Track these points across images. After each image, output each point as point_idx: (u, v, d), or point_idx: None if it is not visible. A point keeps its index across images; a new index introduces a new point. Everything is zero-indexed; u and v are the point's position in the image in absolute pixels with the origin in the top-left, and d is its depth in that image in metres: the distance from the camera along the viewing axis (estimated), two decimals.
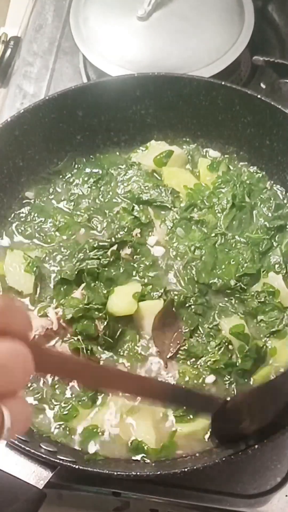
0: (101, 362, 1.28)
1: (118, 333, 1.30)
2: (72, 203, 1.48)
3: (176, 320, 1.31)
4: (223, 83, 1.43)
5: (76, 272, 1.33)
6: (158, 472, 1.10)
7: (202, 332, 1.30)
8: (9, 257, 1.38)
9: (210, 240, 1.38)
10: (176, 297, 1.32)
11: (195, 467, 1.07)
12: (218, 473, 1.26)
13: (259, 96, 1.40)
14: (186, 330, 1.30)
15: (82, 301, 1.30)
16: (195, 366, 1.28)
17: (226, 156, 1.53)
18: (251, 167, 1.51)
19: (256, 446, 1.07)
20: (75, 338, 1.29)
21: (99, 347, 1.29)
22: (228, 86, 1.43)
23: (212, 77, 1.49)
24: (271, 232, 1.39)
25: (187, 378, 1.26)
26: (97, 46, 1.61)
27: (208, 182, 1.47)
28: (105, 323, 1.28)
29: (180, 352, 1.29)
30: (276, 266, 1.35)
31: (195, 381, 1.26)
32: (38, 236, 1.44)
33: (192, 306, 1.32)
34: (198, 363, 1.28)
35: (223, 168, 1.50)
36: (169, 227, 1.42)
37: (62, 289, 1.34)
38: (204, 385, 1.26)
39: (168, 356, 1.29)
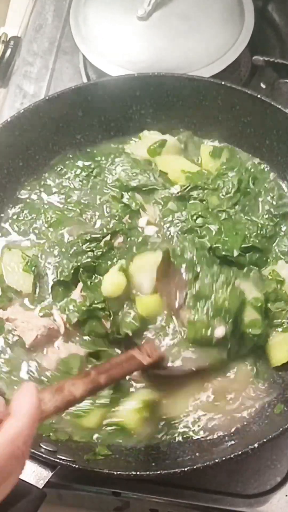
0: None
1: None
2: (63, 196, 1.47)
3: (177, 269, 1.27)
4: (223, 83, 1.43)
5: (72, 271, 1.32)
6: (158, 472, 1.10)
7: (206, 274, 1.25)
8: (7, 256, 1.37)
9: (212, 213, 1.37)
10: (173, 249, 1.30)
11: (195, 467, 1.07)
12: (218, 473, 1.26)
13: (259, 96, 1.40)
14: (190, 276, 1.26)
15: (84, 304, 1.29)
16: (205, 311, 1.22)
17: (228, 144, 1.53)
18: (255, 159, 1.50)
19: (256, 446, 1.07)
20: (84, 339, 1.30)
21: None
22: (228, 86, 1.43)
23: (212, 77, 1.49)
24: (276, 219, 1.39)
25: (196, 329, 1.21)
26: (97, 46, 1.61)
27: (211, 169, 1.46)
28: (111, 319, 1.27)
29: (188, 298, 1.24)
30: (284, 255, 1.35)
31: (204, 331, 1.21)
32: (32, 233, 1.43)
33: (191, 254, 1.28)
34: (207, 305, 1.22)
35: (226, 155, 1.49)
36: (161, 205, 1.41)
37: (60, 290, 1.34)
38: (212, 338, 1.21)
39: (177, 305, 1.24)
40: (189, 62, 1.57)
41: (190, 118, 1.52)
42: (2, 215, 1.46)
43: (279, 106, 1.38)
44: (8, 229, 1.45)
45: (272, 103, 1.39)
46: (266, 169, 1.48)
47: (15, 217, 1.46)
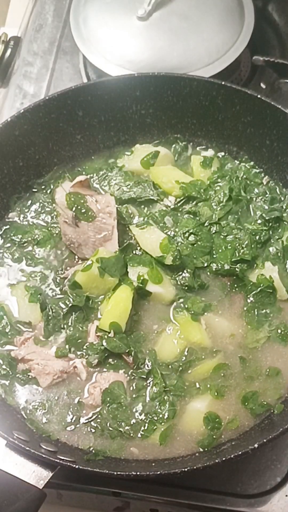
0: None
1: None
2: (50, 216, 1.47)
3: None
4: (223, 83, 1.43)
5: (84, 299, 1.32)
6: (158, 472, 1.10)
7: None
8: (13, 292, 1.38)
9: (205, 227, 1.39)
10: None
11: (195, 467, 1.07)
12: (218, 473, 1.26)
13: (259, 96, 1.40)
14: None
15: (100, 344, 1.27)
16: None
17: (224, 154, 1.53)
18: (248, 163, 1.51)
19: (256, 446, 1.07)
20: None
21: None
22: (228, 86, 1.43)
23: (212, 77, 1.49)
24: (268, 223, 1.39)
25: None
26: (97, 46, 1.61)
27: (203, 178, 1.47)
28: (132, 354, 1.26)
29: None
30: (273, 257, 1.36)
31: None
32: (25, 260, 1.42)
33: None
34: None
35: (217, 164, 1.51)
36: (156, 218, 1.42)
37: (71, 318, 1.32)
38: None
39: None
40: (189, 62, 1.57)
41: (190, 118, 1.52)
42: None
43: (279, 106, 1.38)
44: (4, 256, 1.43)
45: (272, 103, 1.39)
46: (259, 174, 1.49)
47: (4, 235, 1.45)
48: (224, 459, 1.07)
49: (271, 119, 1.41)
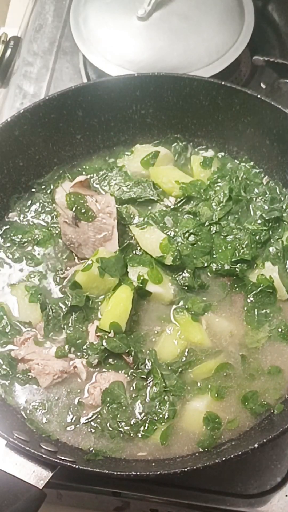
0: None
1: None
2: (50, 216, 1.47)
3: None
4: (223, 83, 1.43)
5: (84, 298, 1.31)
6: (158, 472, 1.10)
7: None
8: (13, 292, 1.37)
9: (205, 227, 1.39)
10: None
11: (195, 467, 1.07)
12: (218, 473, 1.26)
13: (259, 96, 1.40)
14: None
15: (100, 344, 1.27)
16: None
17: (224, 154, 1.54)
18: (248, 163, 1.51)
19: (256, 446, 1.07)
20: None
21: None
22: (228, 86, 1.43)
23: (212, 77, 1.49)
24: (268, 223, 1.39)
25: None
26: (97, 46, 1.61)
27: (203, 178, 1.48)
28: (132, 354, 1.26)
29: None
30: (273, 257, 1.36)
31: None
32: (25, 260, 1.42)
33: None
34: None
35: (217, 164, 1.51)
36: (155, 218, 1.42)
37: (71, 319, 1.32)
38: None
39: None
40: (189, 62, 1.57)
41: (190, 118, 1.52)
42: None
43: (279, 106, 1.38)
44: (4, 256, 1.43)
45: (272, 103, 1.39)
46: (259, 174, 1.49)
47: (4, 235, 1.45)
48: (224, 459, 1.07)
49: (271, 119, 1.41)
